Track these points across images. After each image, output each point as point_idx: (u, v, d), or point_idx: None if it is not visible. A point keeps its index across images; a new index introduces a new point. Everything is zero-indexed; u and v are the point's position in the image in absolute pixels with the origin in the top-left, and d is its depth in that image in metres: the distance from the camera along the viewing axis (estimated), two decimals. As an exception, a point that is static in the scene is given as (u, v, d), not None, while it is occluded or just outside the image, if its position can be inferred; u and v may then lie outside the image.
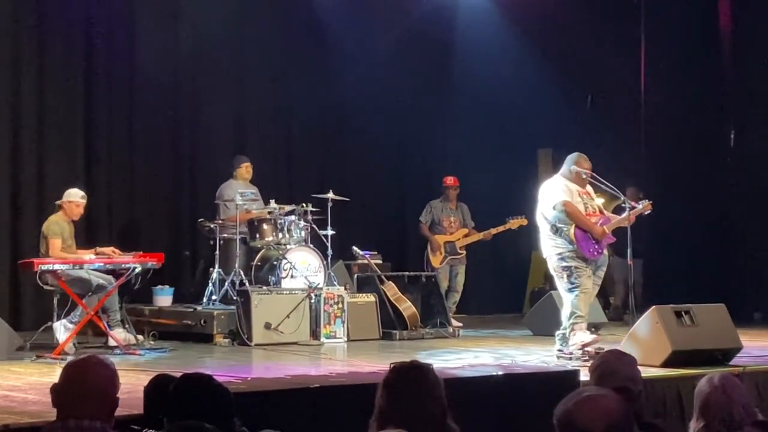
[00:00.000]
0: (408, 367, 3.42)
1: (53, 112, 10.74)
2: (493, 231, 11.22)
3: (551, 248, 7.83)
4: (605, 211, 8.13)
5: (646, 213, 8.08)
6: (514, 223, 10.99)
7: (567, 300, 7.78)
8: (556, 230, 7.78)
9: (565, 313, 7.78)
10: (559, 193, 7.82)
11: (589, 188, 8.08)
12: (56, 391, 3.28)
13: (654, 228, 11.13)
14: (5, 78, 10.50)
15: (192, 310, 9.72)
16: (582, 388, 3.09)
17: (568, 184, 7.90)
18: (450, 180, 11.44)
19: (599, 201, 8.35)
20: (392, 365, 3.43)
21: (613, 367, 3.88)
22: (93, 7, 10.99)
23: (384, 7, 12.79)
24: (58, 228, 8.75)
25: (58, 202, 8.96)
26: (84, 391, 3.22)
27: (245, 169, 10.67)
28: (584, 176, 7.92)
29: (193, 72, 11.69)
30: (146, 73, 11.22)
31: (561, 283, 7.82)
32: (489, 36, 13.00)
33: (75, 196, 8.92)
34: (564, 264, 7.74)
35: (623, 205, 8.10)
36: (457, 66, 13.31)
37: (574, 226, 7.72)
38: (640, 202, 8.10)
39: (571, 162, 7.96)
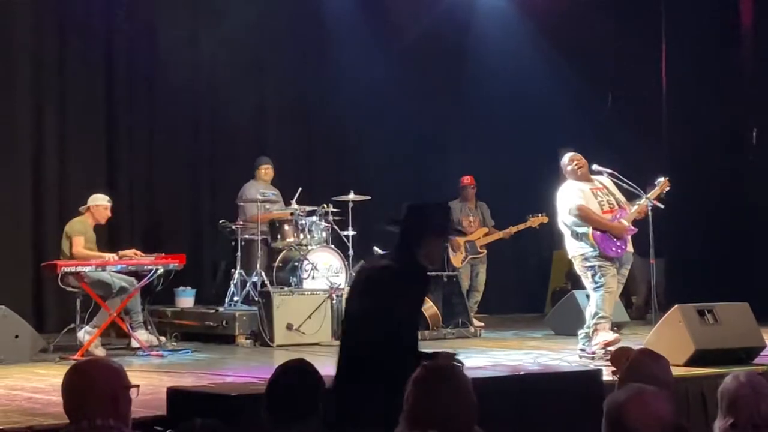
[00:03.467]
0: (439, 368, 3.41)
1: (74, 115, 10.80)
2: (514, 229, 11.15)
3: (575, 250, 7.84)
4: (626, 204, 8.02)
5: (665, 191, 8.04)
6: (534, 221, 10.94)
7: (592, 299, 7.77)
8: (576, 235, 7.79)
9: (589, 312, 7.77)
10: (573, 198, 7.82)
11: (604, 181, 8.04)
12: (64, 394, 3.26)
13: (676, 227, 11.07)
14: (27, 83, 10.56)
15: (214, 311, 9.76)
16: (638, 386, 3.06)
17: (579, 185, 7.89)
18: (467, 179, 11.38)
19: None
20: (424, 365, 3.42)
21: (646, 371, 3.81)
22: (114, 10, 11.04)
23: (401, 7, 12.79)
24: (82, 227, 8.81)
25: (82, 208, 8.99)
26: (89, 391, 3.20)
27: (263, 171, 10.68)
28: (578, 171, 7.90)
29: (212, 73, 11.73)
30: (166, 75, 11.27)
31: (587, 283, 7.83)
32: (508, 35, 12.98)
33: (102, 200, 8.99)
34: (588, 264, 7.74)
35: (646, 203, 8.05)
36: (475, 65, 13.28)
37: (591, 228, 7.71)
38: (656, 181, 8.07)
39: (564, 165, 8.00)
